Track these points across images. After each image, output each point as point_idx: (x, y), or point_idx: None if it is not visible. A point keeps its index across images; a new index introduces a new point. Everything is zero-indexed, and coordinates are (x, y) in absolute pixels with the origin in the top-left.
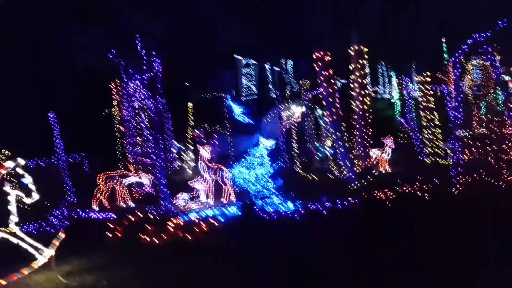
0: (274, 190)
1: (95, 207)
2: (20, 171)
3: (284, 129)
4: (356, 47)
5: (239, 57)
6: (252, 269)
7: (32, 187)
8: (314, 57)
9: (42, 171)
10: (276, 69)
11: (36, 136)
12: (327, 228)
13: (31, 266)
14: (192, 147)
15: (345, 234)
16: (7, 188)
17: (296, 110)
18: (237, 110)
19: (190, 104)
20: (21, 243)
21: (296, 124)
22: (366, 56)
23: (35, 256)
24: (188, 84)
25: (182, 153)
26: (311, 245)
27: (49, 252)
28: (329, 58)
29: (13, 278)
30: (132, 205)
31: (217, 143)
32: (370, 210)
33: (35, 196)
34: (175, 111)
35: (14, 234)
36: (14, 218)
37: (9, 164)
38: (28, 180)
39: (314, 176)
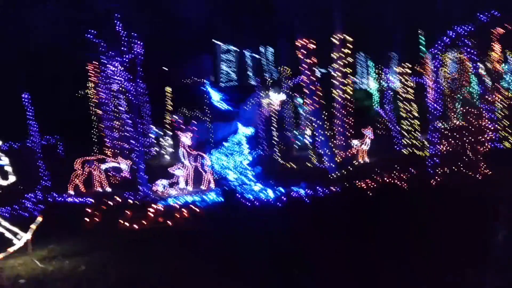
0: (253, 177)
1: (71, 191)
2: None
3: (263, 117)
4: (340, 36)
5: (219, 43)
6: (235, 256)
7: (9, 169)
8: (298, 44)
9: (15, 153)
10: (256, 56)
11: (9, 118)
12: (309, 216)
13: (7, 250)
14: (170, 133)
15: (328, 222)
16: None
17: (276, 98)
18: (216, 96)
19: (168, 89)
20: None
21: (275, 112)
22: (350, 45)
23: (11, 240)
24: (166, 69)
25: (160, 138)
26: (294, 232)
27: (26, 236)
28: (313, 46)
29: None
30: (109, 190)
31: (196, 129)
32: (351, 199)
33: (12, 178)
34: (153, 95)
35: None
36: None
37: None
38: (4, 161)
39: (292, 164)
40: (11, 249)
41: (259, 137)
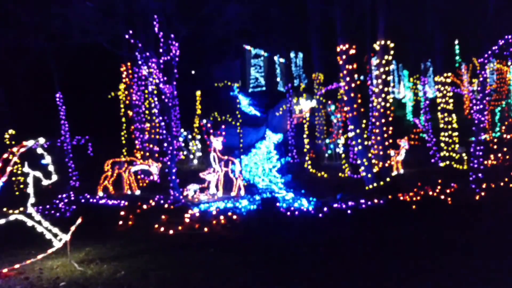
0: (283, 185)
1: (100, 192)
2: (39, 150)
3: (293, 124)
4: (383, 42)
5: (248, 47)
6: (280, 265)
7: (51, 168)
8: (338, 50)
9: (46, 153)
10: (286, 61)
11: (41, 116)
12: (354, 229)
13: (47, 252)
14: (198, 136)
15: (376, 236)
16: (26, 168)
17: (306, 105)
18: (244, 101)
19: (198, 92)
20: (37, 227)
21: (305, 119)
22: (392, 52)
23: (51, 241)
24: (194, 72)
25: (188, 142)
26: (340, 245)
27: (66, 237)
28: (354, 52)
29: (26, 263)
30: (138, 193)
31: (224, 134)
32: (396, 212)
33: (54, 178)
34: (182, 98)
35: (30, 217)
36: (31, 200)
37: (29, 143)
38: (47, 160)
39: (324, 174)
40: (50, 250)
41: (289, 144)
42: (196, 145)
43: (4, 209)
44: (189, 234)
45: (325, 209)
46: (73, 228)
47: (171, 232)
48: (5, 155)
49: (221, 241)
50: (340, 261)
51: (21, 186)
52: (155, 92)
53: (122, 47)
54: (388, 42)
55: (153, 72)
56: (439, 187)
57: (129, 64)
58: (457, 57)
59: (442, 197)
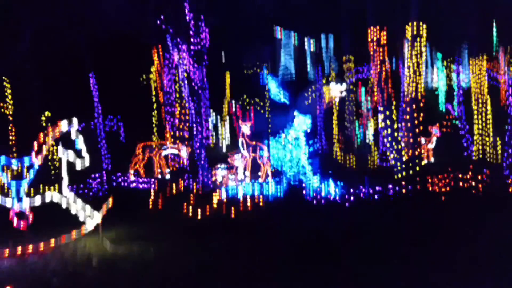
0: (311, 172)
1: (131, 175)
2: (74, 133)
3: (322, 110)
4: (415, 24)
5: (279, 32)
6: (306, 251)
7: (84, 150)
8: (369, 33)
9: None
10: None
11: (75, 99)
12: (380, 217)
13: (80, 230)
14: (228, 121)
15: (402, 225)
16: (60, 150)
17: (337, 89)
18: (274, 88)
19: (227, 78)
20: (72, 206)
21: (335, 106)
22: (425, 35)
23: (84, 220)
24: (224, 57)
25: (218, 126)
26: (366, 233)
27: (98, 217)
28: (385, 36)
29: (61, 241)
30: (168, 176)
31: (253, 119)
32: (424, 202)
33: (87, 160)
34: (212, 82)
35: (65, 198)
36: (66, 181)
37: (64, 125)
38: (81, 143)
39: (353, 161)
40: (83, 229)
41: (317, 131)
42: (225, 130)
43: (41, 190)
44: (216, 218)
45: (352, 198)
46: (104, 207)
47: (199, 216)
48: (41, 138)
49: (246, 226)
50: (359, 248)
51: (57, 166)
52: (186, 77)
53: (152, 33)
54: (421, 24)
55: (183, 58)
56: (470, 177)
57: (160, 49)
58: (495, 42)
59: (473, 188)
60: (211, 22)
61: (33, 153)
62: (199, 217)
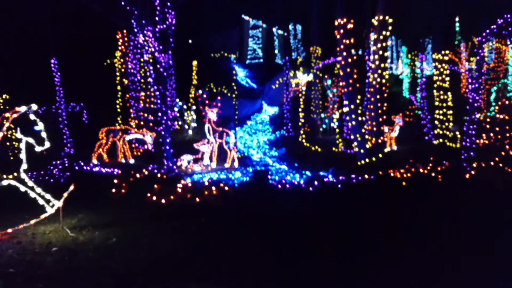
0: (276, 158)
1: (95, 160)
2: (32, 116)
3: (289, 97)
4: (381, 17)
5: (247, 18)
6: (272, 235)
7: (44, 134)
8: (336, 24)
9: (41, 119)
10: (284, 33)
11: (36, 82)
12: (343, 203)
13: (39, 217)
14: (194, 107)
15: (364, 211)
16: (18, 134)
17: (303, 78)
18: (241, 73)
19: (194, 62)
20: (30, 192)
21: (301, 93)
22: (390, 28)
23: (43, 206)
24: (191, 42)
25: (184, 112)
26: (329, 218)
27: (58, 203)
28: (352, 26)
29: (19, 227)
30: (132, 161)
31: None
32: (386, 188)
33: (47, 144)
34: (178, 67)
35: (23, 182)
36: (24, 165)
37: (22, 108)
38: (40, 127)
39: (318, 148)
40: (43, 216)
41: (284, 118)
42: (191, 116)
43: None
44: (181, 203)
45: (316, 183)
46: (65, 194)
47: (163, 201)
48: None
49: (212, 211)
50: (323, 234)
51: (15, 151)
52: (151, 61)
53: (117, 14)
54: (387, 17)
55: (148, 41)
56: (430, 165)
57: (125, 31)
58: (457, 35)
59: (433, 174)
60: (178, 5)
61: None
62: (163, 201)
